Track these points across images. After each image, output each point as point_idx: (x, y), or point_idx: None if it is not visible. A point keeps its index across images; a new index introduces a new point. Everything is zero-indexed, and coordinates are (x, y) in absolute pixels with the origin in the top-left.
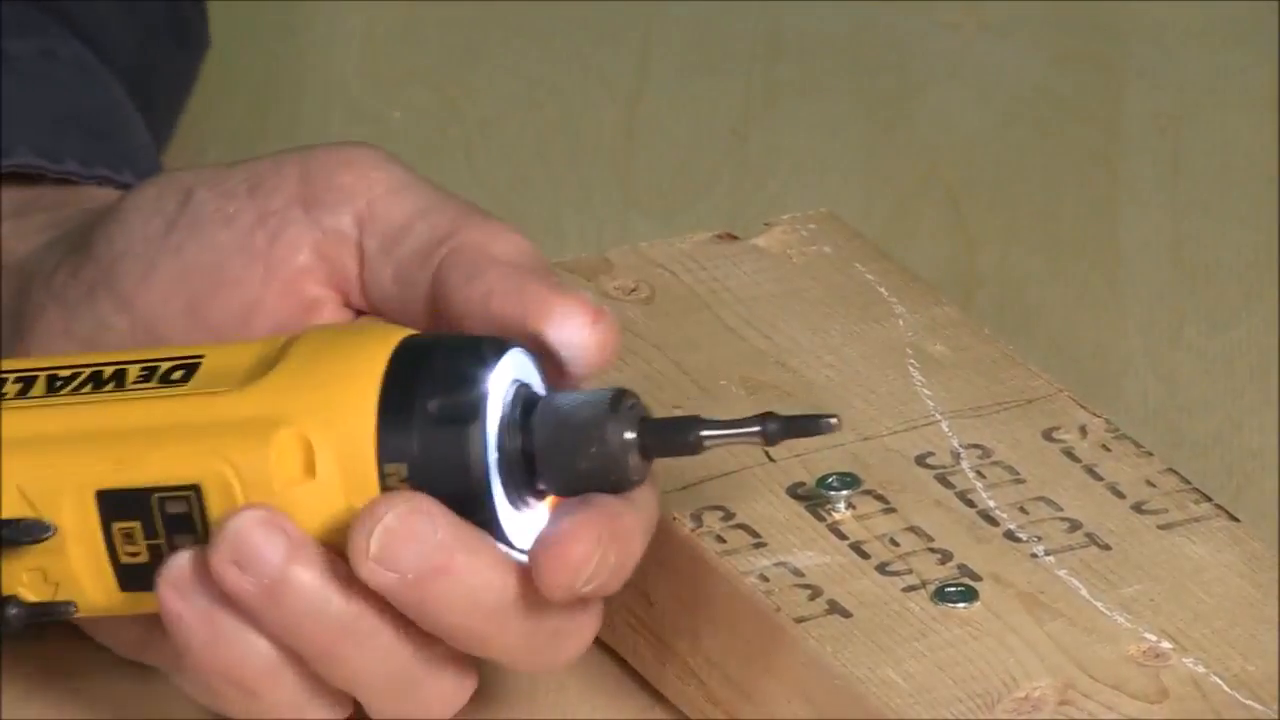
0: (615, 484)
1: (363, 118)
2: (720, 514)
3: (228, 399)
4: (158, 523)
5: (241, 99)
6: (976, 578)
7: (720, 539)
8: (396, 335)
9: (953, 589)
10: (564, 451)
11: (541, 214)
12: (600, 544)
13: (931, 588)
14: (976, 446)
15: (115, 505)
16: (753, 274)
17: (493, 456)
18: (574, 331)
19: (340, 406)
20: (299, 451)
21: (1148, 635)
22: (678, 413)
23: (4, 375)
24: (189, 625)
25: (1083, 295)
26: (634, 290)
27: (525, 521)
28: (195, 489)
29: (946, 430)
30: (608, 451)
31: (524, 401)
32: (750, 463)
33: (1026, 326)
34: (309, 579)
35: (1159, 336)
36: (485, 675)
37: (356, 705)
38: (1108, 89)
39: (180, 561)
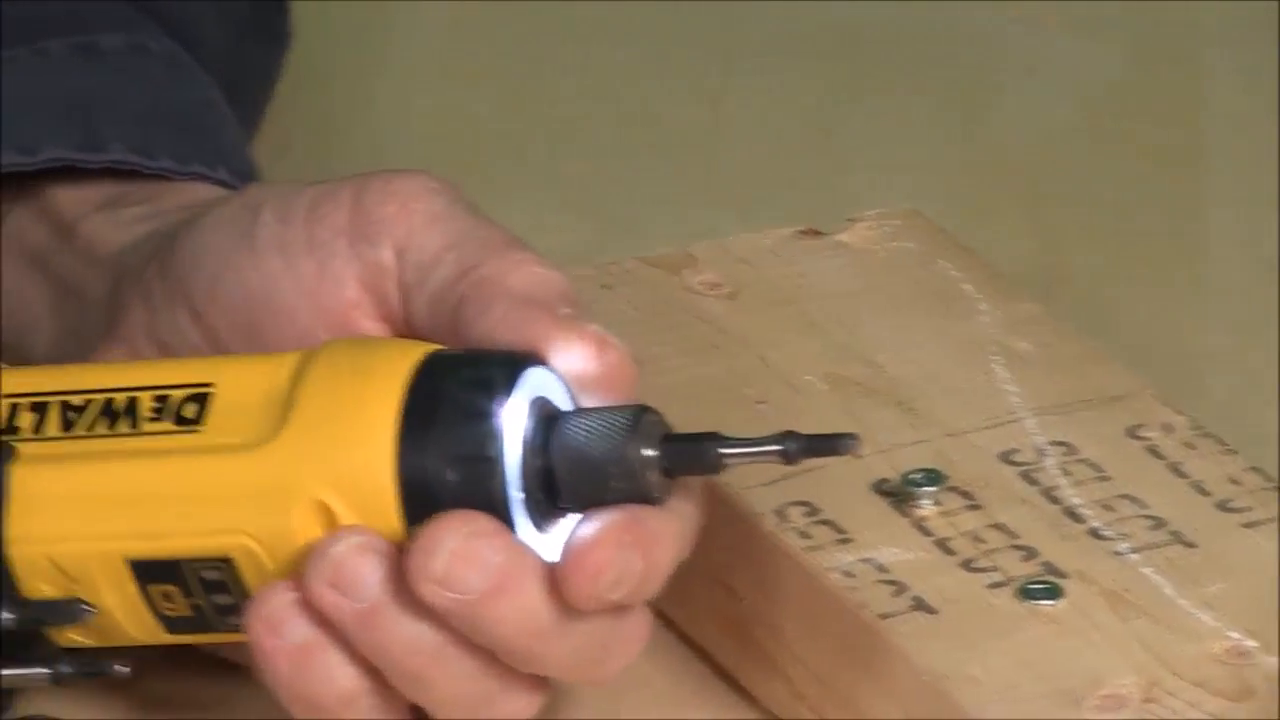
0: (637, 502)
1: (445, 113)
2: (805, 510)
3: (245, 464)
4: (194, 586)
5: (324, 94)
6: (1061, 575)
7: (805, 535)
8: (408, 363)
9: (1037, 586)
10: (585, 473)
11: (624, 209)
12: (622, 550)
13: (1016, 585)
14: (1061, 444)
15: (149, 571)
16: (836, 269)
17: (515, 497)
18: (576, 363)
19: (357, 470)
20: (321, 514)
21: (1232, 634)
22: (761, 409)
23: (16, 401)
24: (277, 659)
25: (1165, 292)
26: (718, 285)
27: (554, 538)
28: (226, 560)
29: (1031, 427)
30: (628, 471)
31: (545, 420)
32: (835, 459)
33: (1108, 323)
34: (406, 602)
35: (1242, 333)
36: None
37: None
38: (1188, 86)
39: (268, 596)
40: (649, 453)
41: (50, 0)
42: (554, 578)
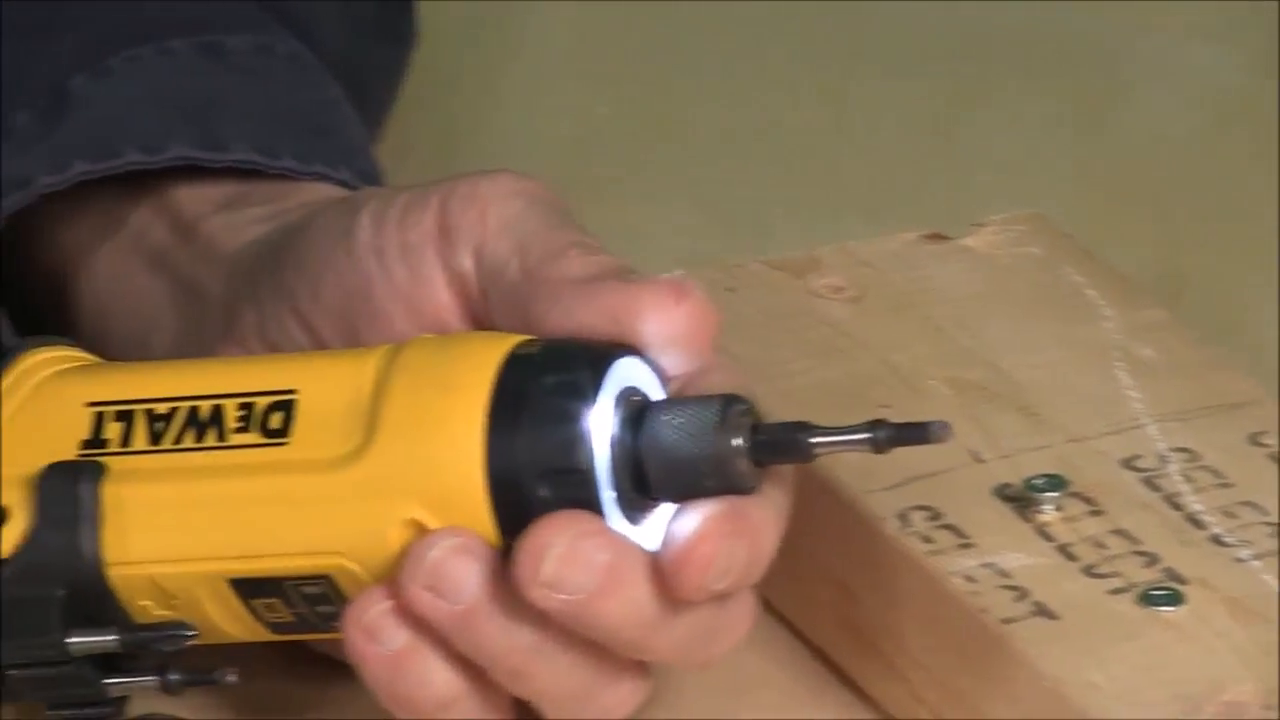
0: (729, 492)
1: (570, 114)
2: (927, 514)
3: (335, 484)
4: (295, 599)
5: (449, 94)
6: (1183, 581)
7: (927, 539)
8: (490, 368)
9: (1159, 592)
10: (676, 468)
11: (748, 213)
12: (727, 541)
13: (1138, 591)
14: (1184, 450)
15: (250, 588)
16: (960, 274)
17: (608, 497)
18: (656, 317)
19: (448, 488)
20: (414, 529)
21: None
22: (884, 413)
23: (101, 410)
24: (375, 665)
25: None
26: (842, 289)
27: (648, 528)
28: (325, 577)
29: (1154, 433)
30: (721, 465)
31: (634, 415)
32: (957, 463)
33: (1232, 330)
34: (506, 602)
35: None
36: (687, 674)
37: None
38: None
39: (365, 605)
40: (739, 444)
41: (176, 0)
42: (658, 569)
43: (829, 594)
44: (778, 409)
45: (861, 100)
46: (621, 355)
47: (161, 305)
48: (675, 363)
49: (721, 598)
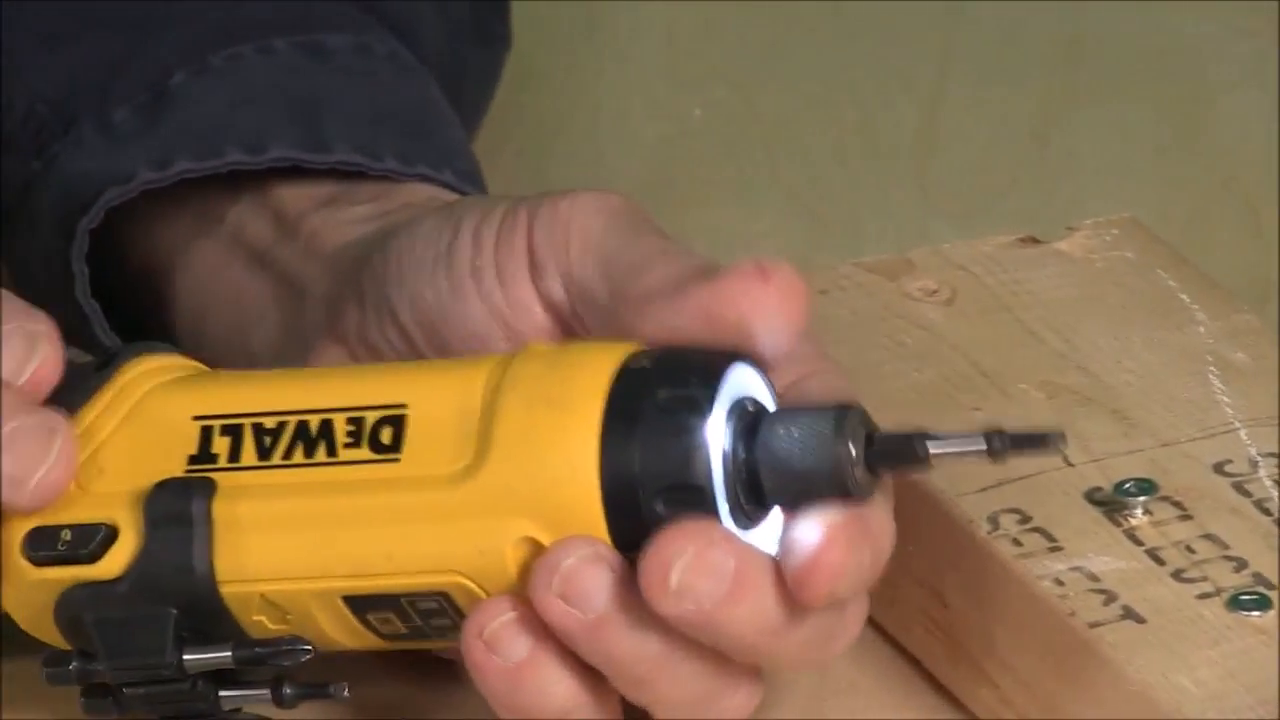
0: (843, 498)
1: (663, 115)
2: (1017, 517)
3: (450, 503)
4: (411, 615)
5: (542, 96)
6: (1271, 586)
7: (1016, 542)
8: (603, 382)
9: (1248, 597)
10: (792, 479)
11: (840, 214)
12: (853, 549)
13: (1226, 595)
14: (1274, 455)
15: (364, 604)
16: (1054, 277)
17: (722, 509)
18: (753, 298)
19: (564, 506)
20: (531, 546)
21: None
22: (977, 416)
23: (208, 424)
24: (495, 678)
25: None
26: (935, 292)
27: (763, 533)
28: (441, 594)
29: (1245, 439)
30: (838, 475)
31: (747, 426)
32: (1048, 467)
33: None
34: (634, 611)
35: None
36: (773, 677)
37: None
38: None
39: (486, 617)
40: (856, 454)
41: (276, 0)
42: (782, 576)
43: (918, 596)
44: (870, 412)
45: (956, 104)
46: (734, 364)
47: (263, 301)
48: (775, 341)
49: (841, 602)
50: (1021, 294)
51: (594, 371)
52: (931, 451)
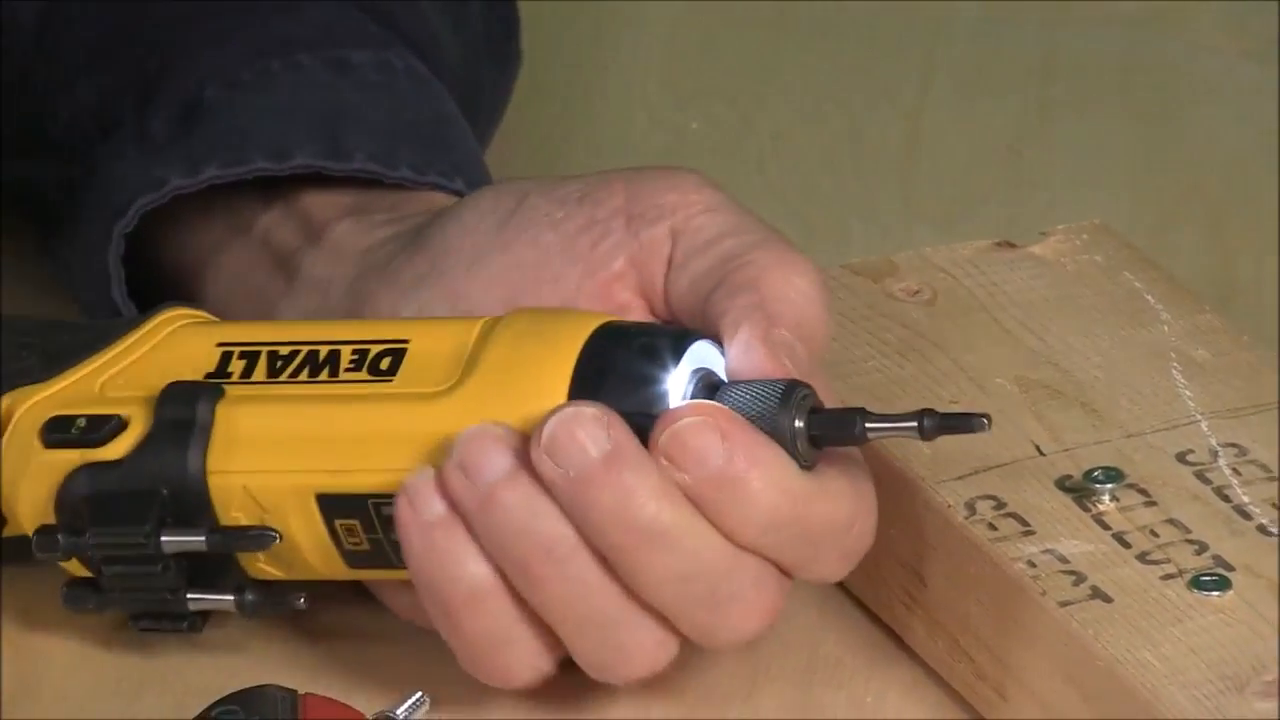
0: None
1: (662, 128)
2: (992, 503)
3: (429, 410)
4: (375, 522)
5: (550, 109)
6: (1230, 568)
7: (992, 527)
8: (584, 331)
9: (1208, 578)
10: None
11: (828, 220)
12: (709, 431)
13: (1188, 577)
14: (1233, 445)
15: (335, 505)
16: (1028, 280)
17: None
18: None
19: (532, 420)
20: None
21: None
22: (955, 408)
23: (229, 349)
24: (413, 532)
25: None
26: (917, 292)
27: None
28: None
29: (1206, 430)
30: (777, 438)
31: (707, 388)
32: (1021, 456)
33: None
34: (525, 489)
35: None
36: (769, 650)
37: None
38: None
39: (413, 475)
40: (798, 423)
41: (304, 17)
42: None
43: (899, 576)
44: (855, 403)
45: (937, 118)
46: (702, 339)
47: (283, 301)
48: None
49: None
50: (998, 295)
51: (580, 320)
52: (868, 428)
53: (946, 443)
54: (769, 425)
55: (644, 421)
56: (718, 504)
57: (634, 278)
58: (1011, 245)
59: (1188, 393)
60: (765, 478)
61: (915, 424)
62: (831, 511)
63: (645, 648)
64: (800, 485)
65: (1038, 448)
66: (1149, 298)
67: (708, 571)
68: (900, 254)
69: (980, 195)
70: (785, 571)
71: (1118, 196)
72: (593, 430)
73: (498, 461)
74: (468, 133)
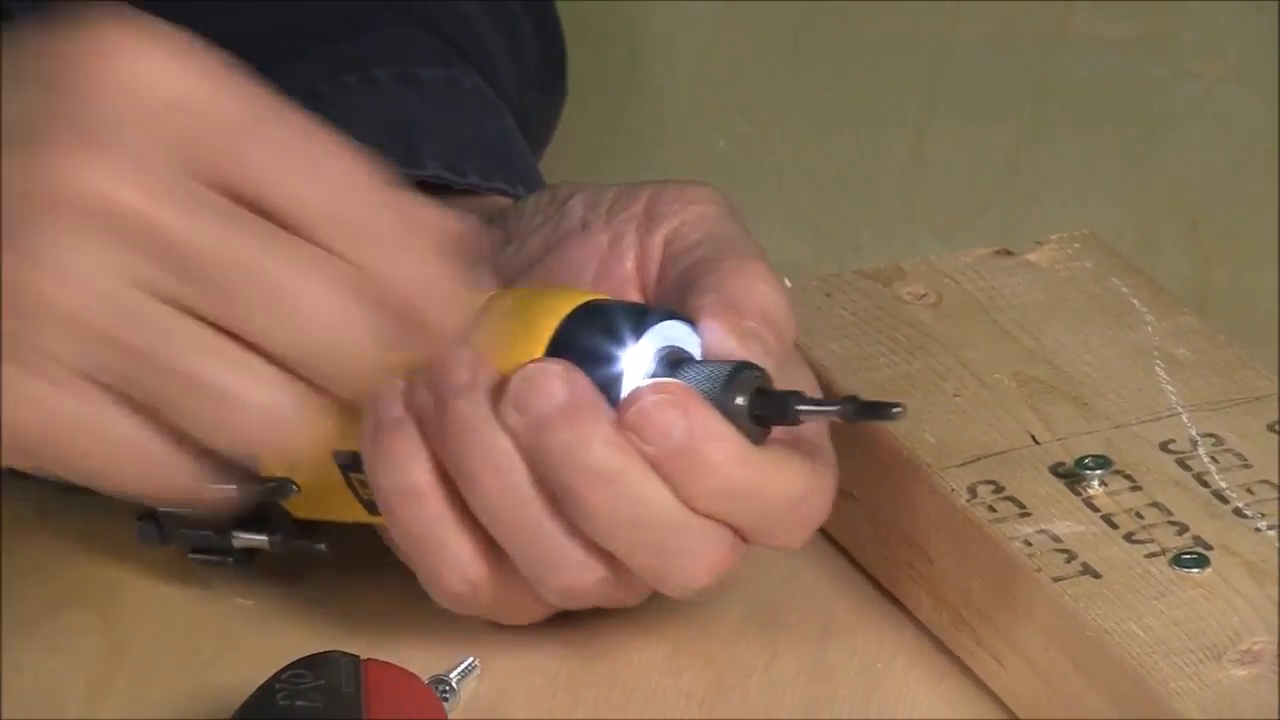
0: None
1: (691, 145)
2: (992, 488)
3: None
4: None
5: (589, 128)
6: (1208, 547)
7: (991, 509)
8: (561, 310)
9: (1188, 556)
10: None
11: (840, 229)
12: (670, 408)
13: (1170, 555)
14: (1211, 435)
15: (349, 461)
16: (1024, 285)
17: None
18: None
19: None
20: None
21: None
22: (958, 401)
23: None
24: (372, 433)
25: None
26: (923, 296)
27: None
28: None
29: (1186, 421)
30: (723, 414)
31: (671, 365)
32: (1018, 444)
33: (1255, 333)
34: (481, 409)
35: None
36: (783, 620)
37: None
38: None
39: (390, 385)
40: (740, 401)
41: (376, 38)
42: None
43: (906, 554)
44: (867, 397)
45: (940, 136)
46: (674, 319)
47: None
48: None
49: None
50: (997, 298)
51: (563, 296)
52: (799, 409)
53: (949, 432)
54: (715, 403)
55: (605, 389)
56: (680, 474)
57: (639, 278)
58: (1009, 253)
59: (1170, 388)
60: (723, 451)
61: (839, 408)
62: (785, 485)
63: (570, 560)
64: (755, 458)
65: (1033, 437)
66: (1134, 301)
67: (656, 521)
68: (907, 260)
69: (980, 207)
70: (742, 536)
71: (1106, 209)
72: (555, 383)
73: (459, 375)
74: (525, 149)
